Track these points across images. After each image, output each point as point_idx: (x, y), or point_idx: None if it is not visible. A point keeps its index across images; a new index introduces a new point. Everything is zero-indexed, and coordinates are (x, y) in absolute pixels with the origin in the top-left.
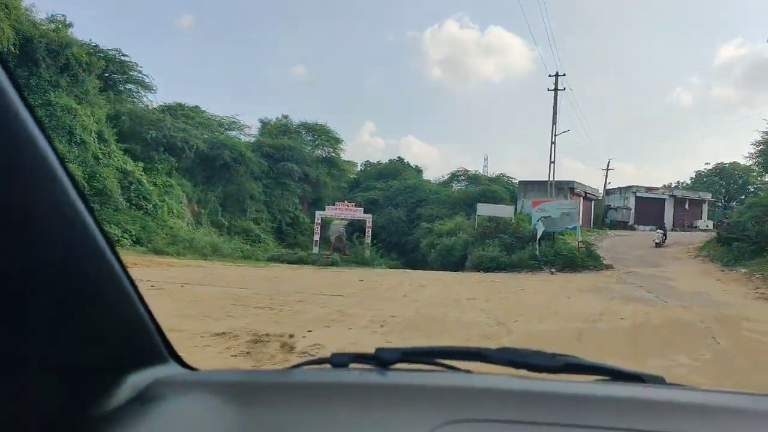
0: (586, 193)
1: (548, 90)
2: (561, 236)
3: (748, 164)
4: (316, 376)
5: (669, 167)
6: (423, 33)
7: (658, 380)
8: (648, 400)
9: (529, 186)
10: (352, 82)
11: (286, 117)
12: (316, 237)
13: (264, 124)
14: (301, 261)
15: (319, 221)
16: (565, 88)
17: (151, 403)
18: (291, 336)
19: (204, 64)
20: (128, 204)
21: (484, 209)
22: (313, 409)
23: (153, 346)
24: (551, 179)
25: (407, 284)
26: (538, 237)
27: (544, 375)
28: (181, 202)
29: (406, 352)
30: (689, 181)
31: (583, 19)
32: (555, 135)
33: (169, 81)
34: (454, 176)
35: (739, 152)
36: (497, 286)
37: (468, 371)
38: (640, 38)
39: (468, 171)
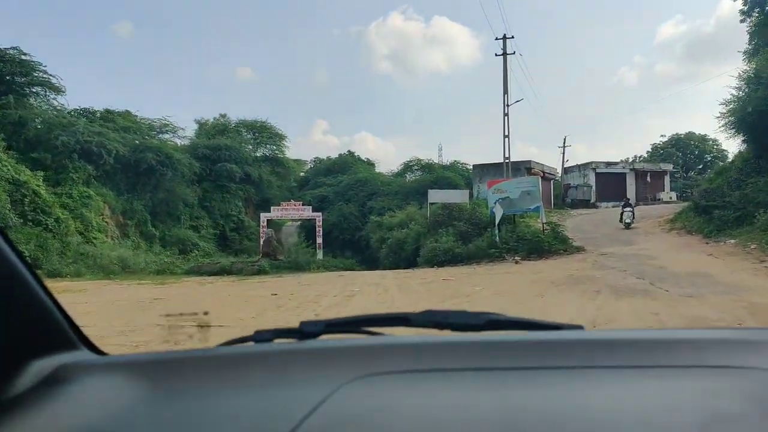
0: (544, 172)
1: (496, 55)
2: (522, 219)
3: (702, 134)
4: (240, 350)
5: (621, 145)
6: (368, 27)
7: (577, 328)
8: (566, 341)
9: (484, 169)
10: (301, 81)
11: (224, 116)
12: (262, 240)
13: (200, 125)
14: (223, 271)
15: (265, 223)
16: (514, 52)
17: (57, 386)
18: None
19: (144, 69)
20: (22, 220)
21: (436, 195)
22: (231, 380)
23: (60, 333)
24: (506, 156)
25: (333, 294)
26: (497, 221)
27: (468, 334)
28: (102, 215)
29: (330, 323)
30: (646, 155)
31: (529, 6)
32: (507, 105)
33: (107, 88)
34: (407, 167)
35: (686, 125)
36: (449, 287)
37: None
38: (583, 21)
39: (421, 160)
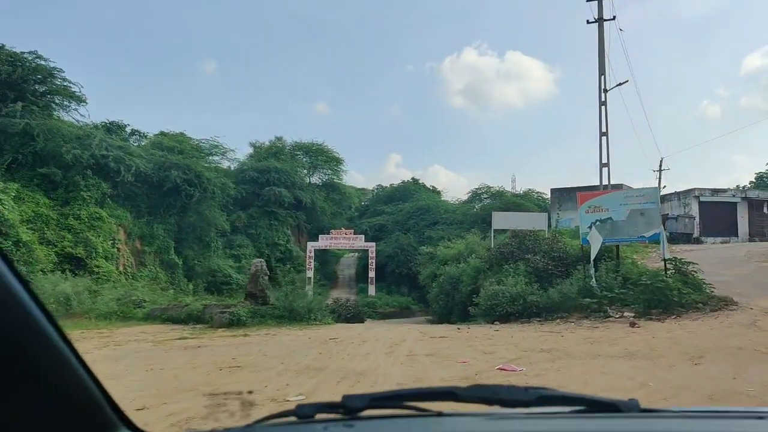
0: None
1: (588, 22)
2: (629, 254)
3: None
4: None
5: (706, 178)
6: (442, 63)
7: (632, 407)
8: None
9: (564, 195)
10: (375, 116)
11: (279, 139)
12: (309, 273)
13: (255, 147)
14: (190, 318)
15: (311, 254)
16: (614, 17)
17: None
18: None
19: (225, 104)
20: None
21: (502, 220)
22: None
23: (101, 413)
24: (604, 162)
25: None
26: (593, 255)
27: (518, 410)
28: (112, 239)
29: (374, 397)
30: (749, 185)
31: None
32: (605, 90)
33: (193, 119)
34: (475, 195)
35: None
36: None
37: (439, 413)
38: (666, 54)
39: (491, 187)
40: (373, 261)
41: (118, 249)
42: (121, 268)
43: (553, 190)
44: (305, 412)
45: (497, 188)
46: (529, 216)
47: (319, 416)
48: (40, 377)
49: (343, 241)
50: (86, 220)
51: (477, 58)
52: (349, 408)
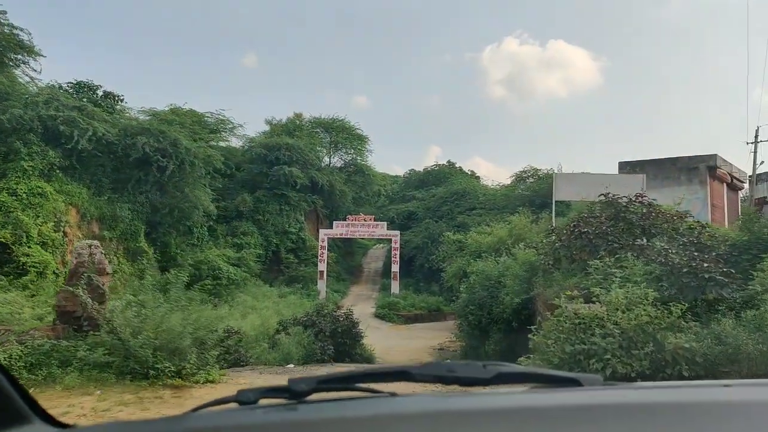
0: (732, 177)
1: None
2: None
3: None
4: (218, 419)
5: None
6: (481, 53)
7: (595, 381)
8: (586, 405)
9: (634, 170)
10: (414, 108)
11: (299, 115)
12: (321, 266)
13: (271, 125)
14: None
15: (324, 243)
16: None
17: None
18: None
19: (264, 93)
20: None
21: (570, 187)
22: None
23: (12, 406)
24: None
25: None
26: None
27: (477, 388)
28: (57, 221)
29: (321, 380)
30: None
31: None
32: None
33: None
34: (519, 178)
35: None
36: None
37: (393, 393)
38: (713, 43)
39: (539, 170)
40: (397, 253)
41: (65, 233)
42: (68, 258)
43: (622, 164)
44: (247, 398)
45: (546, 171)
46: (616, 179)
47: (263, 402)
48: None
49: (362, 228)
50: (24, 196)
51: (518, 47)
52: (295, 392)
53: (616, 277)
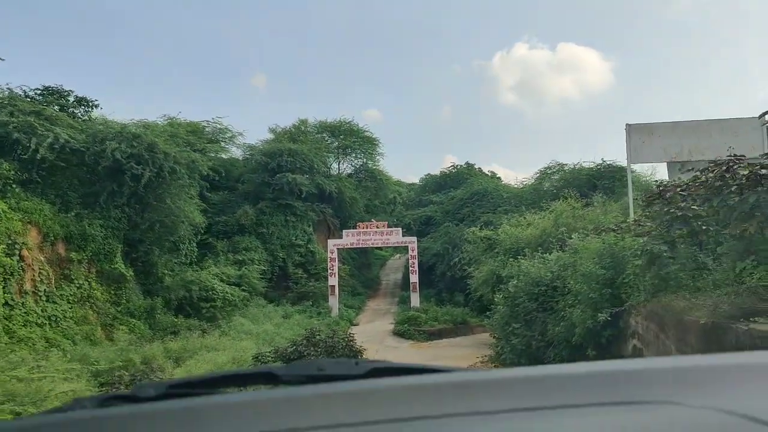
0: None
1: None
2: None
3: None
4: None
5: None
6: (491, 60)
7: (467, 371)
8: (459, 383)
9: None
10: (426, 119)
11: (303, 121)
12: (332, 280)
13: (275, 133)
14: None
15: (334, 254)
16: None
17: None
18: None
19: (275, 113)
20: None
21: (655, 137)
22: None
23: None
24: None
25: None
26: None
27: (349, 384)
28: (11, 243)
29: (173, 384)
30: None
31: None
32: None
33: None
34: (544, 174)
35: None
36: None
37: None
38: (724, 42)
39: (564, 165)
40: (415, 261)
41: (22, 257)
42: (27, 286)
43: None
44: (82, 406)
45: (573, 165)
46: (721, 125)
47: (101, 411)
48: None
49: (374, 236)
50: None
51: (528, 52)
52: (141, 399)
53: None
